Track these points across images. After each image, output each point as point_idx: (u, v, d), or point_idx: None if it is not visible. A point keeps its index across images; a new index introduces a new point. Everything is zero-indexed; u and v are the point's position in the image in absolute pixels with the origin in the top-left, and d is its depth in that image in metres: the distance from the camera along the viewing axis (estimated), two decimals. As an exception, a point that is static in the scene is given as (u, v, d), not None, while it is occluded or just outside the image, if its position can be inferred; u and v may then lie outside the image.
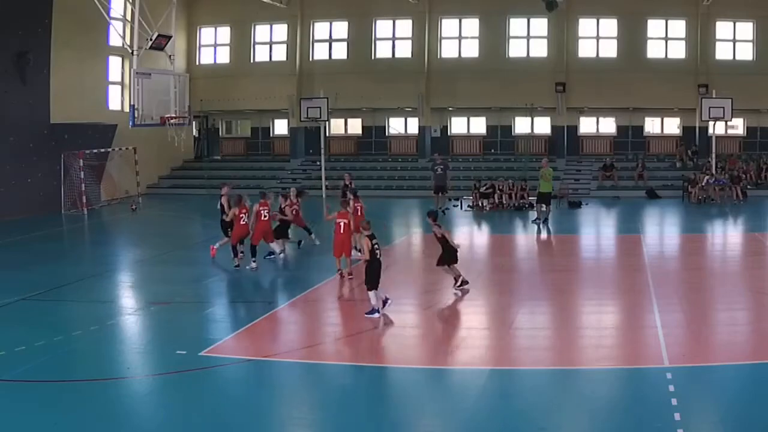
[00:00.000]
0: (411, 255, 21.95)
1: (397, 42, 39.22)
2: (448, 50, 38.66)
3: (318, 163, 36.17)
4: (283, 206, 20.26)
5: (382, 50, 39.30)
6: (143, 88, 23.38)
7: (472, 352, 12.20)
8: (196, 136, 41.76)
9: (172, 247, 22.61)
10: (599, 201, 32.65)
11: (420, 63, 38.20)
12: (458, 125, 40.30)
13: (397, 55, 39.14)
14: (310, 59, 39.65)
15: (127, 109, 29.62)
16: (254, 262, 17.86)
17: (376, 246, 13.85)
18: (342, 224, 16.77)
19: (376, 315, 13.48)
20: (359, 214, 18.07)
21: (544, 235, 24.61)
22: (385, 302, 13.65)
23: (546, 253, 22.57)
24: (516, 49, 37.85)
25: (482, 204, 30.68)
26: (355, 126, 41.20)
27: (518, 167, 35.07)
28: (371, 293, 13.70)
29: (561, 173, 35.04)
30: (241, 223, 18.11)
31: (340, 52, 39.61)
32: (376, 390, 10.50)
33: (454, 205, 30.41)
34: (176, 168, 40.28)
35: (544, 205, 25.89)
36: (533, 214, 27.09)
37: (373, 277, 13.71)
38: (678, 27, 36.45)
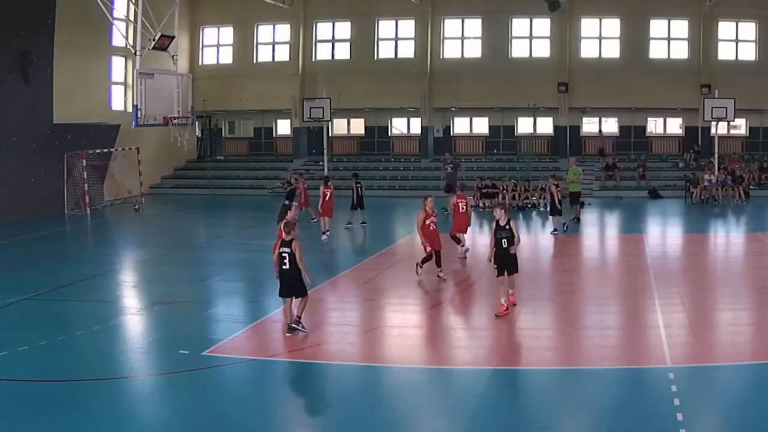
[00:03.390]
0: (413, 255, 21.93)
1: (399, 42, 39.28)
2: (451, 50, 38.71)
3: (321, 163, 36.21)
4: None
5: (385, 50, 39.35)
6: (146, 89, 23.46)
7: (474, 351, 12.21)
8: (199, 136, 41.86)
9: (175, 247, 22.64)
10: (601, 201, 32.65)
11: (423, 63, 38.23)
12: (461, 125, 40.32)
13: (399, 56, 39.19)
14: (313, 59, 39.71)
15: (130, 109, 29.63)
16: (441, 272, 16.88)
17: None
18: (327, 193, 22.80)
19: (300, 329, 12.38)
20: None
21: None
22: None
23: (548, 253, 22.54)
24: (519, 50, 37.88)
25: (484, 204, 30.75)
26: (358, 126, 41.23)
27: (521, 167, 35.07)
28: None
29: (563, 173, 34.96)
30: None
31: (343, 52, 39.66)
32: (377, 390, 10.50)
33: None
34: (179, 168, 40.34)
35: (577, 205, 26.03)
36: (534, 214, 27.04)
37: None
38: (680, 27, 36.44)
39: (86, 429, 9.07)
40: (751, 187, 32.31)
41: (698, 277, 17.63)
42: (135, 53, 23.91)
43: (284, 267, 12.15)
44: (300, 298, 12.31)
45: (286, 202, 19.56)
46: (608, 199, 33.19)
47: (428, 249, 16.43)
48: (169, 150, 33.13)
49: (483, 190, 31.19)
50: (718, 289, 16.19)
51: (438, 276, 16.46)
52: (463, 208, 19.55)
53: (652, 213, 29.37)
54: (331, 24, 39.83)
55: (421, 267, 16.79)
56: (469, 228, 20.07)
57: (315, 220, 24.67)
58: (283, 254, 12.14)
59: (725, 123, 33.76)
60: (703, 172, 32.28)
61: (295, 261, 12.02)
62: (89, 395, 10.08)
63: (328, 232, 22.94)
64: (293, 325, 12.29)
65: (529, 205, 30.03)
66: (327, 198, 23.36)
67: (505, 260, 13.53)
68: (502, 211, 13.68)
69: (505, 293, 13.59)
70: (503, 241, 13.49)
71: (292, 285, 12.17)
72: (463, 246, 19.33)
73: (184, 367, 11.09)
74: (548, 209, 25.85)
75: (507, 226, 13.55)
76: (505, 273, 13.51)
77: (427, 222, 16.51)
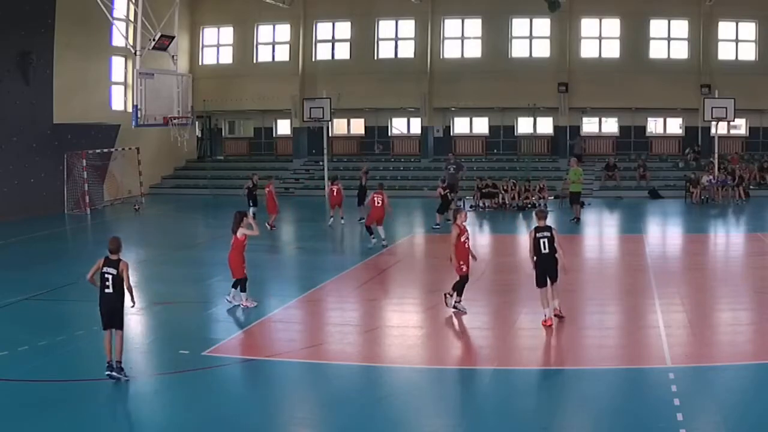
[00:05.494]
0: (413, 255, 21.96)
1: (399, 42, 39.25)
2: (451, 50, 38.69)
3: (321, 163, 36.19)
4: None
5: (385, 50, 39.34)
6: (146, 89, 23.42)
7: (474, 351, 12.22)
8: (199, 136, 41.84)
9: (175, 247, 22.64)
10: (602, 201, 32.65)
11: (423, 63, 38.22)
12: (461, 125, 40.32)
13: (399, 56, 39.16)
14: (313, 59, 39.69)
15: (130, 109, 29.57)
16: None
17: None
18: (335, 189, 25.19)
19: None
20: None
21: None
22: None
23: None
24: (518, 50, 37.86)
25: (484, 204, 30.76)
26: (358, 126, 41.22)
27: (521, 167, 35.08)
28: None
29: (563, 173, 35.02)
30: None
31: (343, 52, 39.64)
32: (377, 390, 10.50)
33: (457, 206, 30.37)
34: (179, 168, 40.33)
35: (577, 205, 26.38)
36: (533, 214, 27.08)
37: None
38: (680, 27, 36.41)
39: (86, 429, 9.07)
40: (751, 187, 32.31)
41: (698, 277, 17.64)
42: (135, 53, 23.87)
43: (107, 291, 10.71)
44: (118, 332, 10.70)
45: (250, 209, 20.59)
46: (608, 199, 33.19)
47: (464, 269, 13.94)
48: (169, 150, 33.13)
49: (483, 190, 31.18)
50: (718, 289, 16.20)
51: (455, 306, 13.99)
52: (378, 203, 21.17)
53: (652, 213, 29.36)
54: (331, 24, 39.81)
55: (451, 296, 14.07)
56: (383, 220, 21.26)
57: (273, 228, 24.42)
58: (107, 275, 10.72)
59: (725, 123, 33.71)
60: (703, 172, 32.27)
61: (121, 284, 10.72)
62: (89, 395, 10.08)
63: (341, 219, 25.73)
64: (113, 373, 10.44)
65: (529, 205, 30.02)
66: (335, 194, 25.23)
67: (545, 266, 12.78)
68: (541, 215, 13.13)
69: (548, 302, 12.79)
70: (543, 242, 12.76)
71: (113, 313, 10.69)
72: (380, 238, 21.00)
73: (184, 367, 11.10)
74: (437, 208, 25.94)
75: (547, 228, 12.89)
76: (547, 281, 12.72)
77: (462, 239, 13.99)
